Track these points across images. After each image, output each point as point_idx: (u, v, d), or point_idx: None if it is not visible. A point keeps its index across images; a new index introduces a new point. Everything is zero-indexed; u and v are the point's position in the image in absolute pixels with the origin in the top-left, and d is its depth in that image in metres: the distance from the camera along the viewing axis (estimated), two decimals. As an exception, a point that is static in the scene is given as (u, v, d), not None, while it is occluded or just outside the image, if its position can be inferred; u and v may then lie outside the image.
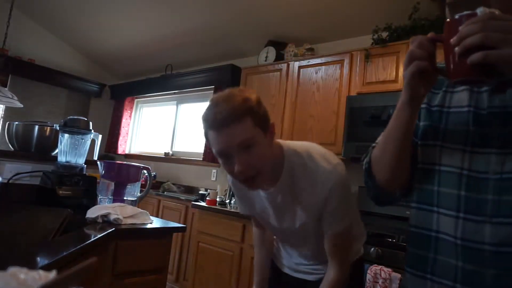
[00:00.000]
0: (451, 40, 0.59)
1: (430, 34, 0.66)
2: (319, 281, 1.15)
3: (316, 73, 3.04)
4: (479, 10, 0.58)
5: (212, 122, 0.92)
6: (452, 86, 0.78)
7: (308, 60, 3.13)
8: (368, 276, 1.94)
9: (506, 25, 0.56)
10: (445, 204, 0.74)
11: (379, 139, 0.86)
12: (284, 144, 1.07)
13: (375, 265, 1.97)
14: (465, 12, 0.59)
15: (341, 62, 2.89)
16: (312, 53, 3.29)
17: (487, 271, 0.66)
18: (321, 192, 1.01)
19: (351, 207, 1.10)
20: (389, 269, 1.92)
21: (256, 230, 1.36)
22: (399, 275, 1.86)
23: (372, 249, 2.07)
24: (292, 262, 1.29)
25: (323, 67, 3.00)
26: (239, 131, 0.90)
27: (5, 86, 4.33)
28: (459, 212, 0.71)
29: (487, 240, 0.67)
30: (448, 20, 0.63)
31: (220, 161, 0.97)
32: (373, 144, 0.89)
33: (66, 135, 1.95)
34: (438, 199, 0.75)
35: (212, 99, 0.95)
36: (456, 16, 0.61)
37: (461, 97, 0.76)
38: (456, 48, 0.59)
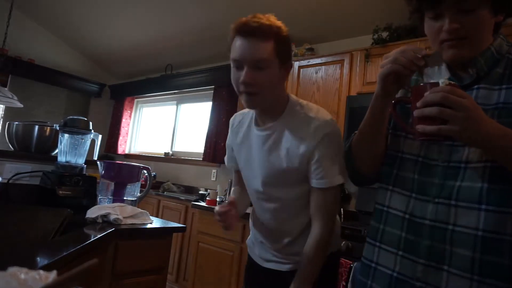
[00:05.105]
0: (417, 103, 0.70)
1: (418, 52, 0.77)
2: (293, 272, 1.09)
3: (316, 73, 3.03)
4: (441, 81, 0.69)
5: (242, 27, 1.00)
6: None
7: (308, 60, 3.12)
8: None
9: (459, 101, 0.65)
10: (401, 185, 0.87)
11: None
12: (291, 95, 1.14)
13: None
14: (430, 81, 0.71)
15: (341, 62, 2.89)
16: (312, 53, 3.29)
17: (422, 242, 0.80)
18: (313, 138, 1.04)
19: (343, 165, 1.05)
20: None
21: (236, 187, 1.37)
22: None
23: (372, 249, 2.07)
24: (266, 245, 1.22)
25: (323, 67, 3.00)
26: (261, 48, 0.98)
27: (5, 86, 4.33)
28: (412, 192, 0.84)
29: (428, 217, 0.80)
30: (414, 86, 0.76)
31: (232, 69, 1.04)
32: (356, 132, 1.00)
33: (66, 135, 1.95)
34: (395, 181, 0.89)
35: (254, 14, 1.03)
36: (421, 84, 0.73)
37: None
38: (417, 112, 0.70)
